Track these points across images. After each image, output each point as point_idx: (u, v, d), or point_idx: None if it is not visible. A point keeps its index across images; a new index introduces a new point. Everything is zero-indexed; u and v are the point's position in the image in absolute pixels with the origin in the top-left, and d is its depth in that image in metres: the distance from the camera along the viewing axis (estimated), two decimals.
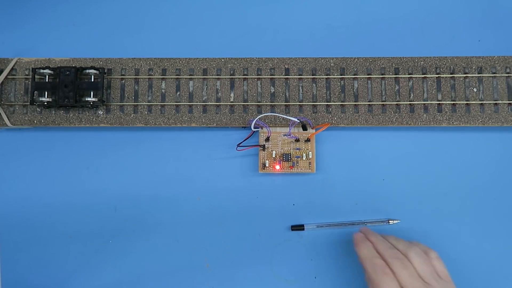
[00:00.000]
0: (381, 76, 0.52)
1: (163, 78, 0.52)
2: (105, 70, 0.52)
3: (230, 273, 0.50)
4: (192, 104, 0.52)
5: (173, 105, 0.52)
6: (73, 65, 0.52)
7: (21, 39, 0.55)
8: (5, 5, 0.56)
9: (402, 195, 0.51)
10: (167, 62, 0.53)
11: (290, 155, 0.51)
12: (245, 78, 0.52)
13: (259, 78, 0.52)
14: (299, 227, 0.50)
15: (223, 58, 0.53)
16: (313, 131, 0.51)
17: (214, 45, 0.55)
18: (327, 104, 0.52)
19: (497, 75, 0.51)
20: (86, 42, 0.55)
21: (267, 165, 0.51)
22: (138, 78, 0.52)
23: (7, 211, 0.52)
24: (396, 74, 0.52)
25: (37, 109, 0.52)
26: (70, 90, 0.50)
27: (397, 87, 0.52)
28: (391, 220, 0.50)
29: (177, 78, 0.52)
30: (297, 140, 0.51)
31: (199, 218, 0.51)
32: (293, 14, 0.55)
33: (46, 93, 0.51)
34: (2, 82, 0.52)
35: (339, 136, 0.52)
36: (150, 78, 0.52)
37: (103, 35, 0.55)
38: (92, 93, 0.51)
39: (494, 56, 0.52)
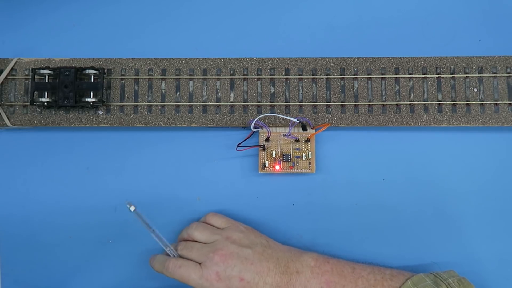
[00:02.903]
0: (381, 76, 0.52)
1: (163, 78, 0.52)
2: (105, 70, 0.52)
3: None
4: (192, 104, 0.52)
5: (173, 105, 0.52)
6: (73, 65, 0.52)
7: (21, 39, 0.55)
8: (5, 6, 0.56)
9: (402, 196, 0.51)
10: (167, 62, 0.53)
11: (290, 155, 0.51)
12: (245, 78, 0.52)
13: (259, 78, 0.52)
14: None
15: (223, 58, 0.53)
16: (313, 131, 0.51)
17: (214, 45, 0.54)
18: (327, 104, 0.52)
19: (497, 75, 0.51)
20: (86, 42, 0.55)
21: (267, 165, 0.51)
22: (138, 78, 0.52)
23: (7, 211, 0.52)
24: (396, 74, 0.52)
25: (37, 109, 0.52)
26: (70, 91, 0.50)
27: (397, 87, 0.52)
28: None
29: (177, 78, 0.52)
30: (297, 140, 0.51)
31: (199, 218, 0.51)
32: (293, 14, 0.55)
33: (46, 93, 0.51)
34: (2, 82, 0.52)
35: (339, 136, 0.52)
36: (150, 78, 0.52)
37: (103, 35, 0.55)
38: (92, 93, 0.51)
39: (495, 56, 0.52)
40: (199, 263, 0.45)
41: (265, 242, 0.47)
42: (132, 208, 0.43)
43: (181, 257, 0.46)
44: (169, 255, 0.47)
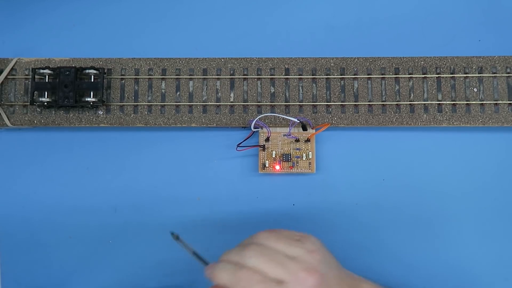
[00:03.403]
0: (381, 76, 0.52)
1: (163, 78, 0.52)
2: (105, 70, 0.52)
3: None
4: (192, 104, 0.52)
5: (173, 105, 0.52)
6: (73, 65, 0.52)
7: (21, 39, 0.55)
8: (5, 6, 0.56)
9: (402, 196, 0.51)
10: (167, 62, 0.53)
11: (290, 155, 0.51)
12: (245, 78, 0.52)
13: (259, 78, 0.52)
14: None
15: (223, 58, 0.53)
16: (313, 131, 0.51)
17: (214, 45, 0.54)
18: (327, 104, 0.52)
19: (497, 75, 0.51)
20: (86, 42, 0.55)
21: (267, 165, 0.51)
22: (138, 78, 0.52)
23: (7, 211, 0.52)
24: (396, 74, 0.52)
25: (37, 109, 0.52)
26: (70, 90, 0.50)
27: (397, 87, 0.52)
28: None
29: (177, 78, 0.52)
30: (297, 140, 0.51)
31: (199, 218, 0.51)
32: (293, 14, 0.55)
33: (46, 93, 0.51)
34: (2, 82, 0.52)
35: (339, 136, 0.52)
36: (150, 78, 0.52)
37: (103, 35, 0.55)
38: (92, 93, 0.51)
39: (495, 56, 0.52)
40: (279, 281, 0.34)
41: (334, 261, 0.39)
42: (175, 237, 0.37)
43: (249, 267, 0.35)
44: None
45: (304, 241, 0.37)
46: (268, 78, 0.52)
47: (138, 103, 0.52)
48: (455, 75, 0.52)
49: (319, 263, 0.36)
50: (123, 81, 0.52)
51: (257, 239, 0.37)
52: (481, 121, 0.51)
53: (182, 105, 0.52)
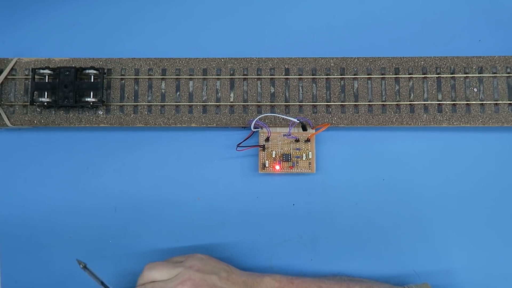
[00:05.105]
0: (381, 76, 0.52)
1: (163, 78, 0.52)
2: (105, 70, 0.52)
3: None
4: (192, 104, 0.52)
5: (173, 105, 0.52)
6: (73, 65, 0.52)
7: (21, 39, 0.55)
8: (5, 6, 0.56)
9: (402, 196, 0.51)
10: (167, 62, 0.53)
11: (290, 155, 0.51)
12: (245, 78, 0.52)
13: (259, 78, 0.52)
14: None
15: (223, 58, 0.53)
16: (313, 131, 0.51)
17: (214, 45, 0.54)
18: (327, 104, 0.51)
19: (497, 75, 0.51)
20: (85, 42, 0.55)
21: (267, 165, 0.51)
22: (138, 78, 0.52)
23: (7, 211, 0.52)
24: (396, 74, 0.52)
25: (37, 109, 0.52)
26: (70, 90, 0.50)
27: (397, 87, 0.52)
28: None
29: (177, 78, 0.52)
30: (297, 140, 0.51)
31: (199, 218, 0.51)
32: (293, 14, 0.55)
33: (46, 93, 0.51)
34: (2, 82, 0.52)
35: (339, 136, 0.52)
36: (150, 78, 0.52)
37: (103, 35, 0.55)
38: (92, 93, 0.51)
39: (495, 56, 0.52)
40: None
41: (226, 268, 0.46)
42: (82, 266, 0.43)
43: None
44: None
45: (186, 260, 0.45)
46: (268, 78, 0.52)
47: (138, 103, 0.52)
48: (455, 75, 0.52)
49: (196, 272, 0.43)
50: (123, 81, 0.52)
51: (144, 273, 0.44)
52: (481, 121, 0.51)
53: (182, 105, 0.52)
